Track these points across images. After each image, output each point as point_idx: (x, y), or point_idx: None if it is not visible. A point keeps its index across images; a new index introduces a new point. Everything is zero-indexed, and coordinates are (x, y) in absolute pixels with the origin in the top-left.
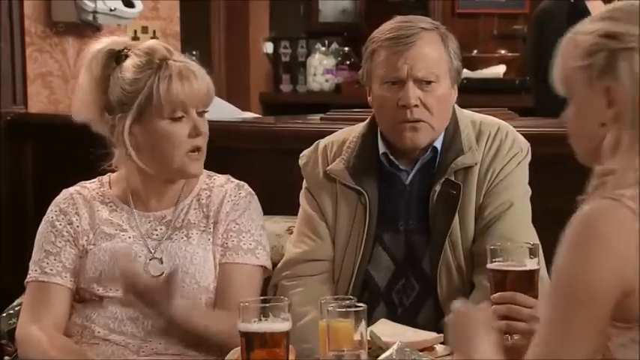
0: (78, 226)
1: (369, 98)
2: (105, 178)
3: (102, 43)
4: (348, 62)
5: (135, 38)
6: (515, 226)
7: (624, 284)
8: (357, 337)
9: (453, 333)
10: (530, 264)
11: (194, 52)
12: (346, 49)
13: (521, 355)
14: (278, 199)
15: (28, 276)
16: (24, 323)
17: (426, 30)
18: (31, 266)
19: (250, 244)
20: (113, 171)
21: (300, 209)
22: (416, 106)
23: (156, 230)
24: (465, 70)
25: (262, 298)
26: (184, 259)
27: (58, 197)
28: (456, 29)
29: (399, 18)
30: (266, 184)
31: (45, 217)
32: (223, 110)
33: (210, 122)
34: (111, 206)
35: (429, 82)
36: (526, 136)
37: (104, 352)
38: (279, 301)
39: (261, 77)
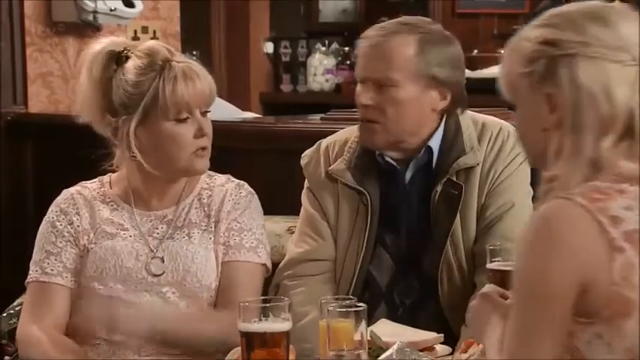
0: (79, 226)
1: None
2: (105, 178)
3: (101, 44)
4: (348, 62)
5: (135, 38)
6: (517, 227)
7: (582, 280)
8: (357, 337)
9: (472, 313)
10: None
11: (194, 52)
12: (346, 49)
13: None
14: (278, 199)
15: (29, 276)
16: (24, 323)
17: (399, 34)
18: (32, 266)
19: (252, 242)
20: (114, 171)
21: (302, 209)
22: (366, 106)
23: (157, 229)
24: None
25: (263, 298)
26: (186, 258)
27: (58, 197)
28: (456, 29)
29: (394, 19)
30: (266, 184)
31: (45, 217)
32: (224, 110)
33: (210, 122)
34: (112, 205)
35: (383, 85)
36: None
37: (105, 352)
38: (280, 301)
39: (262, 77)
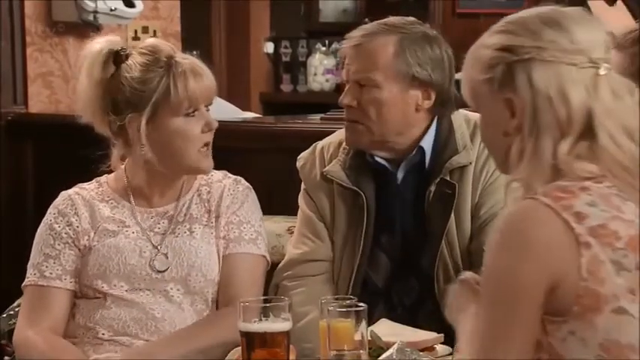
0: (78, 227)
1: None
2: (102, 178)
3: (99, 44)
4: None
5: (135, 38)
6: None
7: (550, 279)
8: (357, 337)
9: (451, 299)
10: None
11: (194, 52)
12: None
13: None
14: (279, 198)
15: (26, 279)
16: (21, 327)
17: (380, 34)
18: (30, 269)
19: (251, 234)
20: (110, 172)
21: (299, 211)
22: (350, 106)
23: (158, 225)
24: None
25: (263, 298)
26: (189, 253)
27: (56, 200)
28: (456, 29)
29: (376, 21)
30: (266, 183)
31: (43, 220)
32: (224, 110)
33: None
34: (112, 203)
35: (364, 85)
36: None
37: (108, 352)
38: (280, 301)
39: (262, 77)
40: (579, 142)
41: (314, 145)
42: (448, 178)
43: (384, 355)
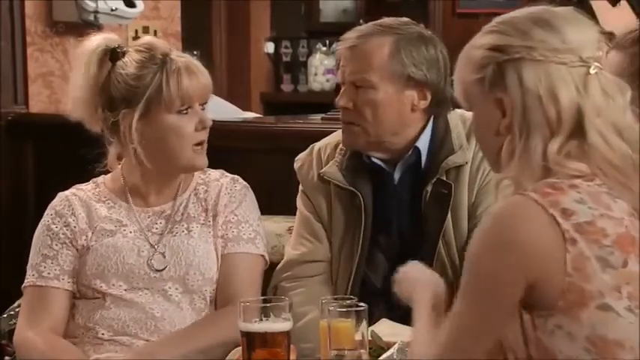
0: (75, 227)
1: None
2: (100, 179)
3: (95, 41)
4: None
5: (136, 38)
6: None
7: (533, 276)
8: (358, 337)
9: (397, 288)
10: None
11: (195, 52)
12: None
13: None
14: (279, 198)
15: (26, 280)
16: (21, 328)
17: (374, 35)
18: (29, 270)
19: (250, 233)
20: (107, 172)
21: (297, 212)
22: (346, 108)
23: (156, 224)
24: None
25: (263, 298)
26: (187, 252)
27: (53, 201)
28: (456, 29)
29: (371, 22)
30: (267, 183)
31: (41, 221)
32: (224, 110)
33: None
34: (108, 203)
35: (360, 87)
36: None
37: (108, 352)
38: (280, 301)
39: (262, 77)
40: (569, 141)
41: (311, 146)
42: (444, 178)
43: (384, 355)
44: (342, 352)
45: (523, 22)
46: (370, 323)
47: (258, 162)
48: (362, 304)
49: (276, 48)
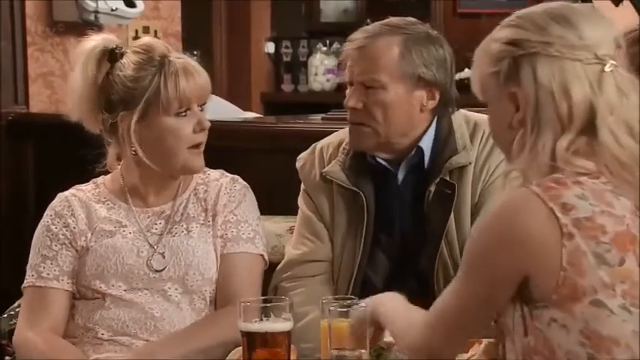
0: (75, 228)
1: None
2: (99, 179)
3: (94, 42)
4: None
5: (136, 38)
6: None
7: (526, 269)
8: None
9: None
10: None
11: (195, 52)
12: None
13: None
14: (279, 199)
15: (25, 281)
16: (21, 329)
17: (383, 35)
18: (28, 271)
19: (249, 233)
20: (107, 172)
21: (299, 211)
22: (355, 109)
23: (155, 225)
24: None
25: (264, 298)
26: (187, 253)
27: (53, 201)
28: (457, 29)
29: (378, 22)
30: (267, 183)
31: (41, 221)
32: (224, 110)
33: (211, 122)
34: (108, 204)
35: (370, 87)
36: None
37: (107, 352)
38: (281, 301)
39: (263, 77)
40: (579, 138)
41: (313, 145)
42: (448, 178)
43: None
44: (342, 352)
45: (541, 17)
46: None
47: (259, 162)
48: (362, 304)
49: (277, 48)
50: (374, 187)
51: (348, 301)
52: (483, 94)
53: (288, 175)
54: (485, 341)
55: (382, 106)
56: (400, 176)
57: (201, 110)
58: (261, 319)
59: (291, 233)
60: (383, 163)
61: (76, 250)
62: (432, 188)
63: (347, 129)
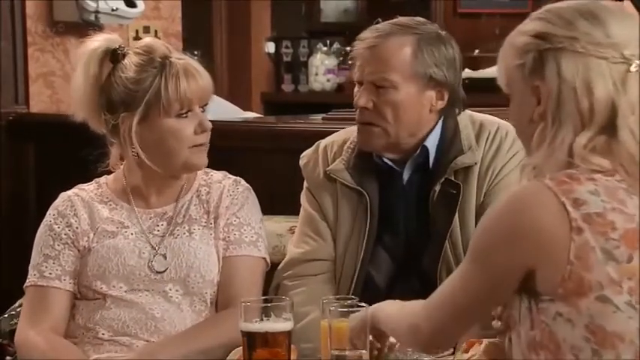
0: (77, 228)
1: None
2: (102, 179)
3: (96, 42)
4: (349, 62)
5: (136, 38)
6: None
7: (533, 263)
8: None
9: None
10: None
11: (196, 52)
12: (348, 48)
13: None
14: (280, 199)
15: (27, 280)
16: (22, 328)
17: (394, 35)
18: (30, 270)
19: (252, 236)
20: (109, 172)
21: (302, 209)
22: (365, 108)
23: (157, 226)
24: (466, 70)
25: (264, 297)
26: (188, 254)
27: (56, 201)
28: (457, 29)
29: (388, 21)
30: (268, 184)
31: (43, 221)
32: (225, 110)
33: (211, 122)
34: (110, 205)
35: (381, 87)
36: None
37: (108, 352)
38: (281, 301)
39: (263, 77)
40: (598, 136)
41: (317, 143)
42: (453, 178)
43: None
44: (342, 353)
45: (569, 12)
46: None
47: (259, 162)
48: (363, 304)
49: (277, 48)
50: (379, 186)
51: (349, 301)
52: (507, 86)
53: (289, 175)
54: (485, 341)
55: (393, 106)
56: (405, 176)
57: (203, 111)
58: (262, 319)
59: (292, 233)
60: (389, 162)
61: (78, 250)
62: (437, 188)
63: (350, 128)
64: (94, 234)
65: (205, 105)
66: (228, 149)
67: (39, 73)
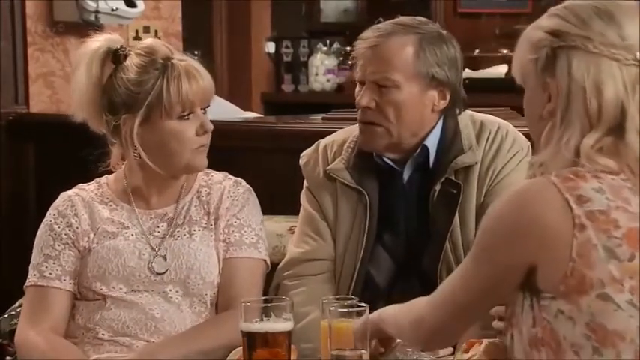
0: (77, 228)
1: None
2: (103, 179)
3: (98, 42)
4: (349, 62)
5: (137, 38)
6: None
7: (535, 260)
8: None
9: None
10: None
11: (196, 52)
12: (348, 48)
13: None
14: (280, 199)
15: (28, 280)
16: (23, 328)
17: (397, 35)
18: (31, 270)
19: (252, 238)
20: (110, 172)
21: (301, 209)
22: (368, 108)
23: (158, 227)
24: (466, 70)
25: (264, 297)
26: (188, 256)
27: (56, 201)
28: (457, 29)
29: (390, 20)
30: (268, 184)
31: (44, 220)
32: (225, 110)
33: (211, 122)
34: (111, 205)
35: (383, 86)
36: (527, 135)
37: (108, 352)
38: (281, 301)
39: (263, 77)
40: (606, 137)
41: (317, 143)
42: (453, 178)
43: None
44: (343, 352)
45: (586, 11)
46: None
47: (259, 162)
48: (363, 303)
49: (277, 48)
50: (379, 185)
51: (349, 301)
52: (522, 81)
53: (289, 175)
54: (485, 341)
55: (395, 105)
56: (406, 175)
57: (204, 113)
58: (262, 319)
59: (292, 233)
60: (389, 162)
61: (79, 250)
62: (437, 188)
63: (350, 127)
64: (95, 234)
65: (207, 106)
66: (228, 149)
67: (39, 73)
